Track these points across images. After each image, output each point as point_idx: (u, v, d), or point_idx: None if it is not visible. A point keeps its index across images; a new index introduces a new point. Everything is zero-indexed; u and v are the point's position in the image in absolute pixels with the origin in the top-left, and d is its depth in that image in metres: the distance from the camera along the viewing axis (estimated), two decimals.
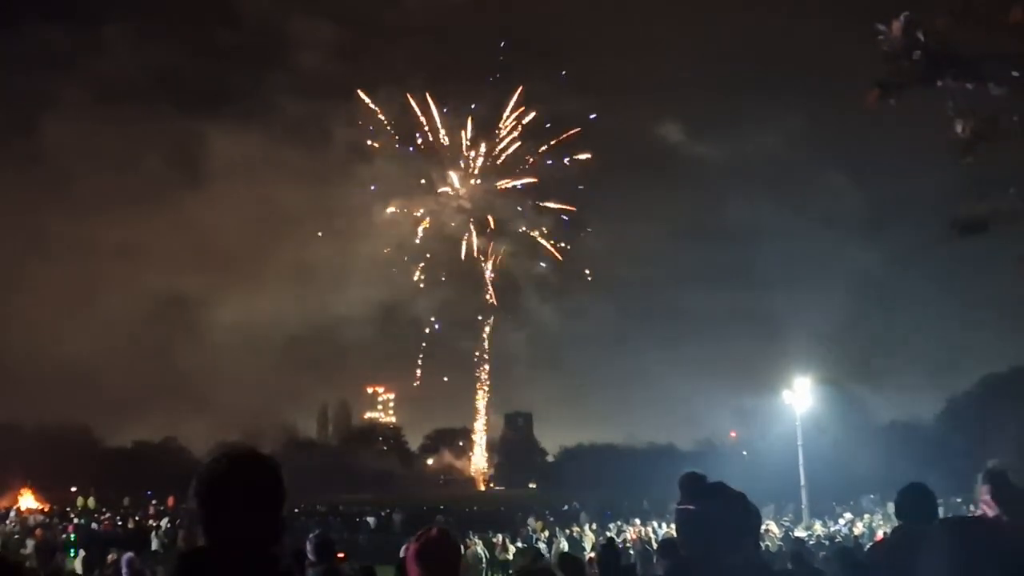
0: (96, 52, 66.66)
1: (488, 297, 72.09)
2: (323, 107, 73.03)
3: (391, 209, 70.32)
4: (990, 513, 4.30)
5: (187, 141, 71.43)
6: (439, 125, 70.21)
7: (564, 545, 24.53)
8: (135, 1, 76.20)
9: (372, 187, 70.06)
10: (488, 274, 71.12)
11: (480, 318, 72.86)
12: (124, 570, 11.90)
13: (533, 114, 68.78)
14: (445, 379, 78.95)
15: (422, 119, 69.40)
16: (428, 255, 70.39)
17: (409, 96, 69.04)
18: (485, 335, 73.49)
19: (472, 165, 70.57)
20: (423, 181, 69.99)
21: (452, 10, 68.64)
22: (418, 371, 76.78)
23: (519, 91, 69.11)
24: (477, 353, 74.50)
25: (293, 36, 73.34)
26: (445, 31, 73.13)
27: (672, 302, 76.71)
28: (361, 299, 70.29)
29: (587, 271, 70.43)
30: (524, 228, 70.11)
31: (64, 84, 67.84)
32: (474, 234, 70.85)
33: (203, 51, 73.90)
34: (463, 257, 71.21)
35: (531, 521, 32.18)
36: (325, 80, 79.09)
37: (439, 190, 70.64)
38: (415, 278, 70.70)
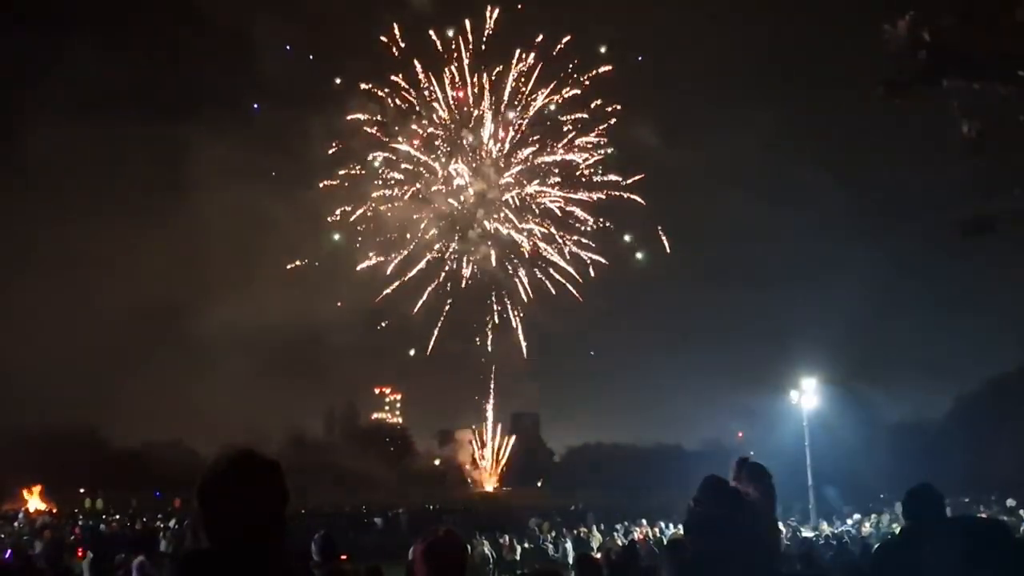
0: (69, 60, 65.90)
1: (492, 297, 72.01)
2: (310, 108, 72.45)
3: (388, 209, 70.03)
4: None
5: (171, 147, 71.04)
6: (434, 115, 69.92)
7: (570, 545, 24.56)
8: (106, 8, 75.48)
9: (369, 188, 69.76)
10: (489, 272, 71.02)
11: (486, 318, 72.76)
12: (135, 574, 11.92)
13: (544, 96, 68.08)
14: (451, 380, 78.90)
15: (425, 99, 68.96)
16: (430, 258, 70.28)
17: (400, 80, 68.41)
18: (492, 335, 73.35)
19: (471, 161, 70.47)
20: (419, 183, 69.76)
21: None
22: (424, 371, 76.70)
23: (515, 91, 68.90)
24: (484, 354, 74.38)
25: (263, 40, 72.20)
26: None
27: (678, 302, 76.45)
28: (364, 300, 70.22)
29: (592, 271, 70.15)
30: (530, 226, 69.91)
31: (36, 93, 67.31)
32: (476, 235, 70.73)
33: (177, 57, 72.78)
34: (465, 257, 71.09)
35: (533, 521, 31.82)
36: (307, 82, 77.96)
37: (439, 188, 70.48)
38: (416, 278, 70.52)
